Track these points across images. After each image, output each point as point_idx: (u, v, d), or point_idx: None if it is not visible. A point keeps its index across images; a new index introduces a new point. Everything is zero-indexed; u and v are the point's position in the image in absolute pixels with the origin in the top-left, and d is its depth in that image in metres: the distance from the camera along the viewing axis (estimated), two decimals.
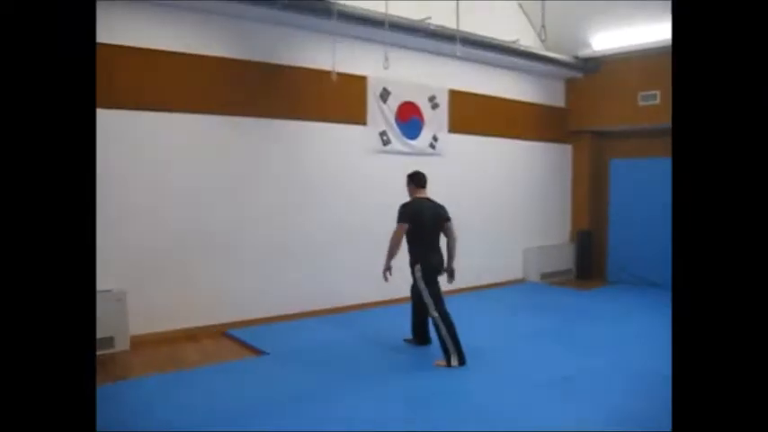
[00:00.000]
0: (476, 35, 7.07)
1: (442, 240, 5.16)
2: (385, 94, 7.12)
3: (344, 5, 5.90)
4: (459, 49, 5.96)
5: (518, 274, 8.89)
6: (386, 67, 5.68)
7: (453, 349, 4.81)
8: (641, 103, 8.29)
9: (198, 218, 5.78)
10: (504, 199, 8.62)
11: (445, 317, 4.87)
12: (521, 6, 8.56)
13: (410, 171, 5.31)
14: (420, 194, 5.19)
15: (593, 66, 8.83)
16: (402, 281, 6.66)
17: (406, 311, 5.48)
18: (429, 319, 4.99)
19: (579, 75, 9.03)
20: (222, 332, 5.81)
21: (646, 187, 8.52)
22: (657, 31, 7.54)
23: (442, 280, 5.07)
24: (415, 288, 5.08)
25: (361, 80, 6.89)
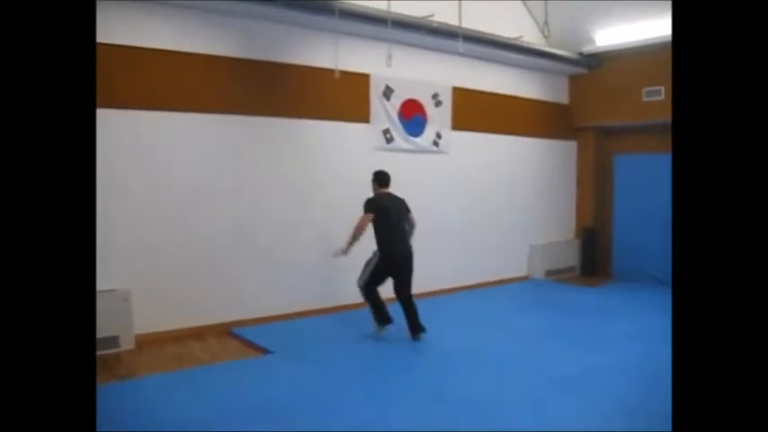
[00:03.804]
0: (478, 32, 7.05)
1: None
2: (388, 92, 7.11)
3: (347, 3, 5.89)
4: (461, 46, 5.95)
5: (522, 271, 8.88)
6: (389, 65, 5.68)
7: (376, 317, 5.56)
8: (646, 99, 8.25)
9: (203, 217, 5.78)
10: (508, 196, 8.60)
11: (368, 292, 5.54)
12: (524, 3, 8.54)
13: (376, 170, 5.76)
14: (383, 191, 5.65)
15: (596, 62, 8.79)
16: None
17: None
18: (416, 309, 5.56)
19: (583, 71, 9.00)
20: (227, 331, 5.82)
21: (651, 183, 8.48)
22: (661, 26, 7.49)
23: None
24: (398, 286, 5.59)
25: (364, 78, 6.88)
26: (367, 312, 5.61)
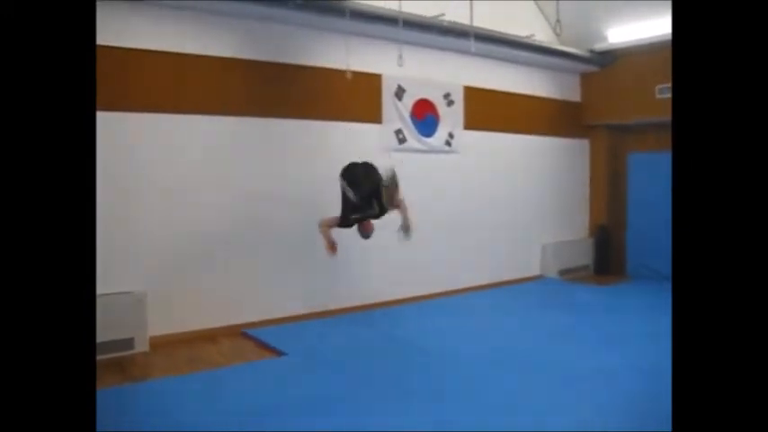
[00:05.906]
0: (490, 31, 7.01)
1: None
2: (400, 92, 7.10)
3: (357, 4, 5.89)
4: (473, 45, 5.92)
5: (536, 271, 8.83)
6: (400, 65, 5.66)
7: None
8: (658, 96, 8.17)
9: (216, 219, 5.80)
10: (521, 195, 8.57)
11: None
12: (535, 1, 8.50)
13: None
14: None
15: (608, 59, 8.73)
16: (421, 279, 6.66)
17: (429, 310, 5.55)
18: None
19: (595, 68, 8.94)
20: (241, 332, 5.83)
21: (664, 181, 8.34)
22: None
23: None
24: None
25: (376, 78, 6.88)
26: (380, 312, 5.61)
